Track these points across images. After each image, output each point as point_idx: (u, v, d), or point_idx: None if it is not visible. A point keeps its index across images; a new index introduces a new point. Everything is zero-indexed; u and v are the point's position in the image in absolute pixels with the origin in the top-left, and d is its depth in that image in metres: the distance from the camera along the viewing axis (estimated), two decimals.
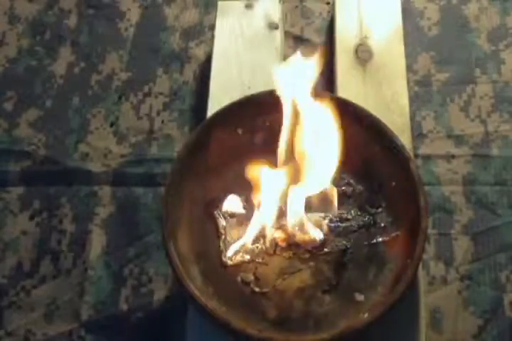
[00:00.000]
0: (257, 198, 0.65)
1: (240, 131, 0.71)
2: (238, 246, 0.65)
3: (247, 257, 0.65)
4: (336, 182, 0.66)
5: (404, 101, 0.77)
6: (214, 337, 0.63)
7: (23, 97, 0.90)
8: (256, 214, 0.65)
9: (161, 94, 0.89)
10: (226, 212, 0.67)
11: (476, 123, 0.83)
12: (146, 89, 0.89)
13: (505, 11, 0.91)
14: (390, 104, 0.77)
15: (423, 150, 0.82)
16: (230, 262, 0.65)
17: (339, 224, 0.67)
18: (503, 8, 0.91)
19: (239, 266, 0.65)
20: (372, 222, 0.66)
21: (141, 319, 0.74)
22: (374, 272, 0.64)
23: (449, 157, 0.81)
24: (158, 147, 0.85)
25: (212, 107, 0.75)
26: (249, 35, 0.83)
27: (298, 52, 0.63)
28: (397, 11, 0.84)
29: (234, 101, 0.70)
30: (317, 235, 0.65)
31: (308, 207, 0.66)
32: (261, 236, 0.66)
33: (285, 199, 0.64)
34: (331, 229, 0.66)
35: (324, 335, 0.58)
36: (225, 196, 0.68)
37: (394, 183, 0.67)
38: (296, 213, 0.64)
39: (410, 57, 0.85)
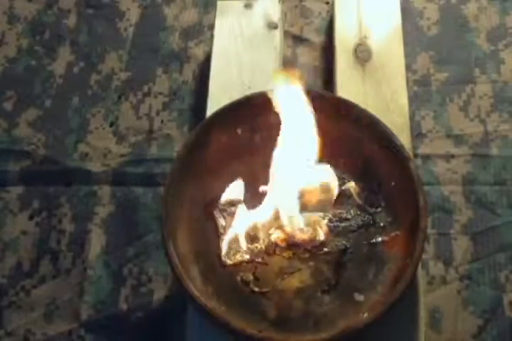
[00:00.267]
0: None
1: (239, 131, 0.71)
2: (230, 238, 0.65)
3: (247, 257, 0.65)
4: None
5: (404, 100, 0.77)
6: (214, 336, 0.64)
7: (23, 97, 0.90)
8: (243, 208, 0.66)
9: (160, 93, 0.89)
10: (227, 202, 0.67)
11: (476, 123, 0.83)
12: (145, 88, 0.89)
13: (504, 10, 0.91)
14: (390, 103, 0.77)
15: (422, 149, 0.82)
16: (229, 262, 0.65)
17: (338, 223, 0.67)
18: (502, 8, 0.91)
19: (238, 265, 0.65)
20: (371, 221, 0.67)
21: (140, 319, 0.74)
22: (373, 272, 0.64)
23: (449, 157, 0.81)
24: (158, 147, 0.85)
25: (212, 107, 0.75)
26: (249, 34, 0.83)
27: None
28: (396, 11, 0.84)
29: (233, 101, 0.70)
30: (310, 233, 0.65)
31: (307, 206, 0.66)
32: (255, 234, 0.66)
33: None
34: (330, 229, 0.66)
35: (324, 335, 0.58)
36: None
37: (393, 183, 0.67)
38: (289, 210, 0.64)
39: (409, 56, 0.85)
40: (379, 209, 0.67)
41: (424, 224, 0.61)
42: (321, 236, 0.65)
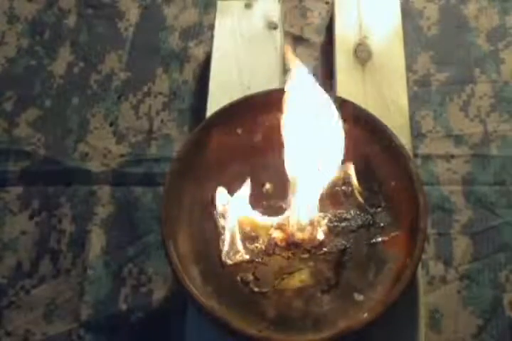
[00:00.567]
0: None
1: (239, 131, 0.71)
2: (230, 238, 0.65)
3: (247, 257, 0.65)
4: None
5: (404, 101, 0.77)
6: (213, 337, 0.64)
7: (23, 97, 0.90)
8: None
9: (160, 93, 0.89)
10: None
11: (476, 123, 0.83)
12: (145, 88, 0.89)
13: (504, 10, 0.91)
14: (390, 103, 0.77)
15: (422, 149, 0.82)
16: (229, 262, 0.65)
17: (338, 223, 0.67)
18: (502, 8, 0.91)
19: (238, 265, 0.65)
20: (371, 221, 0.66)
21: (140, 319, 0.74)
22: (373, 272, 0.64)
23: (449, 157, 0.81)
24: (158, 147, 0.85)
25: (212, 107, 0.75)
26: (249, 34, 0.83)
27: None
28: (396, 11, 0.84)
29: (233, 101, 0.70)
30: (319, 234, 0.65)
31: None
32: (255, 234, 0.66)
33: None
34: (330, 229, 0.66)
35: (324, 335, 0.58)
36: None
37: (393, 183, 0.67)
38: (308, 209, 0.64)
39: (410, 56, 0.85)
40: (379, 209, 0.67)
41: (424, 224, 0.61)
42: (321, 236, 0.65)
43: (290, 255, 0.65)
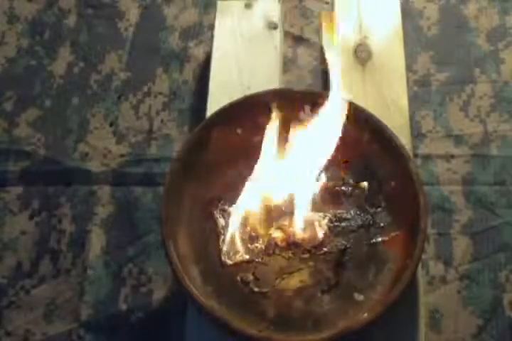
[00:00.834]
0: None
1: (239, 131, 0.71)
2: (230, 238, 0.65)
3: (247, 257, 0.65)
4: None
5: (404, 101, 0.77)
6: (213, 336, 0.64)
7: (23, 97, 0.90)
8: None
9: (160, 93, 0.89)
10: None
11: (476, 123, 0.83)
12: (145, 88, 0.89)
13: (504, 10, 0.91)
14: (390, 103, 0.77)
15: (422, 150, 0.82)
16: (229, 262, 0.65)
17: (338, 223, 0.67)
18: (502, 8, 0.91)
19: (238, 265, 0.65)
20: (371, 221, 0.67)
21: (140, 319, 0.74)
22: (373, 272, 0.64)
23: (449, 157, 0.81)
24: (158, 147, 0.85)
25: (212, 107, 0.75)
26: (249, 34, 0.83)
27: None
28: (396, 11, 0.84)
29: (233, 101, 0.70)
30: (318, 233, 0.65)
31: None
32: (255, 234, 0.66)
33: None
34: (330, 229, 0.66)
35: (324, 335, 0.58)
36: (224, 195, 0.68)
37: (393, 183, 0.67)
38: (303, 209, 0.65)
39: (410, 56, 0.85)
40: (379, 209, 0.67)
41: (424, 224, 0.61)
42: (321, 236, 0.65)
43: (290, 255, 0.65)
